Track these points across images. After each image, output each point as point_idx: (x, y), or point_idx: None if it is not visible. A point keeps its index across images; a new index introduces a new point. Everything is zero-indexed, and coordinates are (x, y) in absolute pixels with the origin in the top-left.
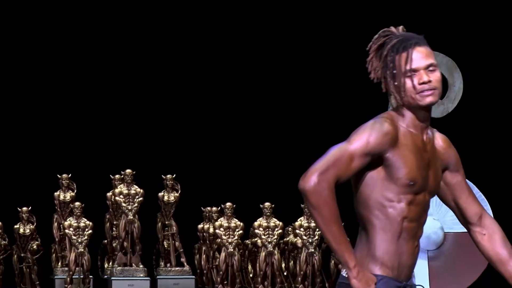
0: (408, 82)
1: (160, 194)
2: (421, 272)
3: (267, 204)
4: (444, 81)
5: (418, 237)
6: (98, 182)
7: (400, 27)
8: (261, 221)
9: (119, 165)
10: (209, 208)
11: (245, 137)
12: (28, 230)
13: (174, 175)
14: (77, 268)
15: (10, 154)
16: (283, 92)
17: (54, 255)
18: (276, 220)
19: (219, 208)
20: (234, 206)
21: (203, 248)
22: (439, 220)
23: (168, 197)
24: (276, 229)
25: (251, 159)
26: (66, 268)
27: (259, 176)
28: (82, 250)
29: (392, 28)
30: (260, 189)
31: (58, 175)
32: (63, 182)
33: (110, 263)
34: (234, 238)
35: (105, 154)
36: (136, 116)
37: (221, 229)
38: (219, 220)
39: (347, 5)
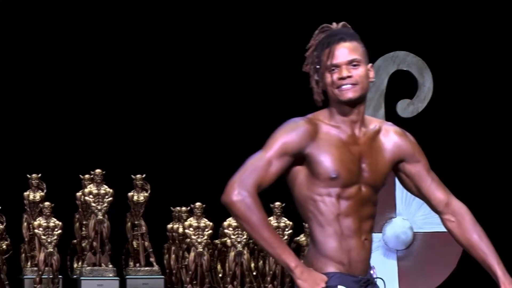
0: (328, 77)
1: (130, 194)
2: (390, 272)
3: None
4: (415, 81)
5: (364, 231)
6: (67, 182)
7: (341, 23)
8: (230, 221)
9: (89, 165)
10: (178, 208)
11: (215, 137)
12: None
13: (144, 175)
14: (46, 268)
15: None
16: (240, 94)
17: (23, 255)
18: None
19: (189, 208)
20: (204, 206)
21: (173, 248)
22: (409, 220)
23: (138, 197)
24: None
25: (220, 159)
26: (36, 268)
27: (228, 177)
28: (52, 250)
29: (333, 24)
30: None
31: (27, 175)
32: (33, 182)
33: (80, 263)
34: (204, 238)
35: (75, 154)
36: (106, 115)
37: (191, 229)
38: (188, 220)
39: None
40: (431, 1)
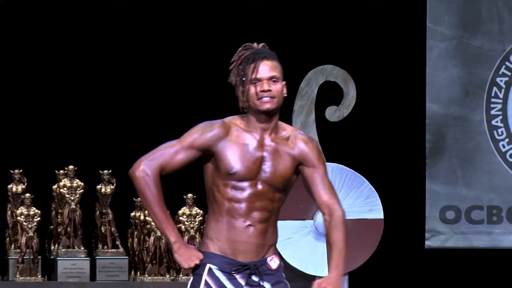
0: (252, 89)
1: (98, 186)
2: (321, 252)
3: (189, 195)
4: (340, 90)
5: (251, 219)
6: (45, 177)
7: (261, 44)
8: (184, 210)
9: (63, 162)
10: (139, 198)
11: (172, 134)
12: None
13: (110, 170)
14: (27, 250)
15: None
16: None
17: (7, 239)
18: (197, 208)
19: None
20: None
21: (135, 232)
22: None
23: (105, 190)
24: (198, 217)
25: None
26: (18, 250)
27: (182, 172)
28: (32, 234)
29: (254, 44)
30: (183, 182)
31: (11, 170)
32: (15, 176)
33: (56, 246)
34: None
35: (51, 152)
36: (77, 117)
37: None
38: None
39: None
40: (354, 23)
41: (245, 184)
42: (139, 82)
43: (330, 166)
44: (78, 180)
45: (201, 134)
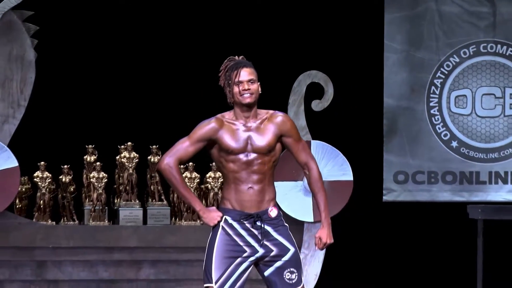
0: (235, 89)
1: (149, 157)
2: (307, 206)
3: (213, 163)
4: (322, 88)
5: (251, 181)
6: (110, 150)
7: (241, 56)
8: (210, 173)
9: (124, 139)
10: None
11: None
12: (67, 180)
13: (158, 145)
14: (97, 203)
15: None
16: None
17: (83, 195)
18: (219, 173)
19: (185, 166)
20: (194, 164)
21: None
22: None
23: (154, 159)
24: (220, 179)
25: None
26: (91, 203)
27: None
28: (101, 191)
29: (236, 56)
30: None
31: (86, 145)
32: (89, 150)
33: (118, 199)
34: (194, 184)
35: (115, 132)
36: (134, 105)
37: (186, 178)
38: (184, 173)
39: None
40: (333, 41)
41: (241, 156)
42: (174, 76)
43: (314, 143)
44: (134, 153)
45: (203, 129)
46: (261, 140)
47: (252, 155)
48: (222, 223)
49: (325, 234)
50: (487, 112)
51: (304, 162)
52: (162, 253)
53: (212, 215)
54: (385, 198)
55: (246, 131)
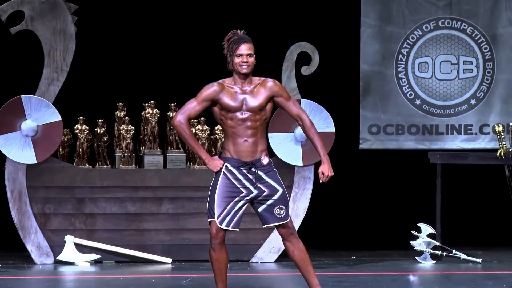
0: (236, 59)
1: (168, 113)
2: (297, 153)
3: (202, 118)
4: (309, 56)
5: (246, 135)
6: (137, 107)
7: (242, 31)
8: (218, 126)
9: (148, 97)
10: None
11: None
12: (101, 131)
13: (176, 103)
14: (126, 150)
15: None
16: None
17: (115, 143)
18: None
19: (198, 120)
20: (205, 119)
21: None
22: None
23: (172, 114)
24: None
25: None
26: (121, 150)
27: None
28: (129, 141)
29: (238, 31)
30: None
31: (117, 103)
32: (119, 106)
33: (143, 148)
34: (206, 134)
35: (141, 92)
36: (157, 67)
37: (198, 131)
38: (197, 126)
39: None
40: (319, 18)
41: (237, 113)
42: (185, 44)
43: (304, 101)
44: (156, 109)
45: (207, 91)
46: (254, 101)
47: (247, 113)
48: (223, 169)
49: (326, 168)
50: (444, 75)
51: (296, 114)
52: (179, 191)
53: (215, 163)
54: (361, 146)
55: (242, 94)
